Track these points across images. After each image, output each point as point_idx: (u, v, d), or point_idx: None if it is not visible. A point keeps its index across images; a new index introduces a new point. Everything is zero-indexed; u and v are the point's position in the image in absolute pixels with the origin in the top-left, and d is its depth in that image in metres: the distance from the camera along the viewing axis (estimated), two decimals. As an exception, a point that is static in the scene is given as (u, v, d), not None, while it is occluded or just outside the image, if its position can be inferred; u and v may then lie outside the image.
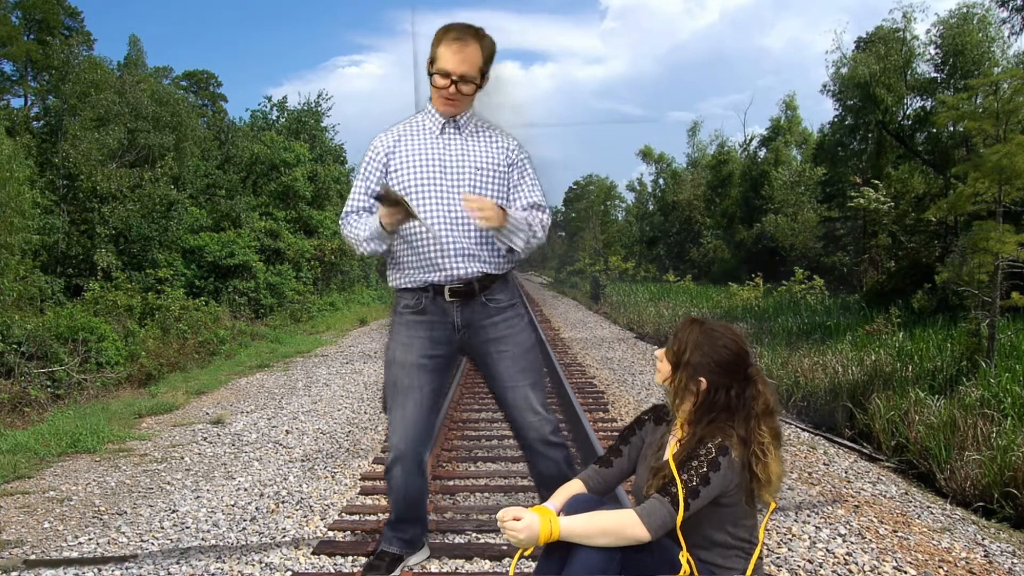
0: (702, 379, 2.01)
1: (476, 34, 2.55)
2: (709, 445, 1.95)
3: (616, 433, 5.17)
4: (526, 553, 2.04)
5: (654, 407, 2.29)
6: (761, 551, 2.08)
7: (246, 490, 4.48)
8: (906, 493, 4.64)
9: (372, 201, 2.65)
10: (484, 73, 2.61)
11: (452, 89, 2.56)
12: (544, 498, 2.63)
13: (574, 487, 2.21)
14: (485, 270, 2.65)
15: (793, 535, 3.62)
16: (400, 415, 2.70)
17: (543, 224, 2.69)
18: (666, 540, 1.96)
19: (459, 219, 2.58)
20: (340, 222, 2.76)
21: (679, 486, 1.92)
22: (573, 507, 2.09)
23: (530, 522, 1.92)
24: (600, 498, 2.21)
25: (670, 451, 2.08)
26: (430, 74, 2.60)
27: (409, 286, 2.68)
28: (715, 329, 2.05)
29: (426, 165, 2.64)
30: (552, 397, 6.70)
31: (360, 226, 2.65)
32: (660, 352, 2.13)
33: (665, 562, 1.95)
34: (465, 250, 2.62)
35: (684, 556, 1.96)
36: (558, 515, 2.01)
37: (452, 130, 2.68)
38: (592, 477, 2.23)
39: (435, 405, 2.80)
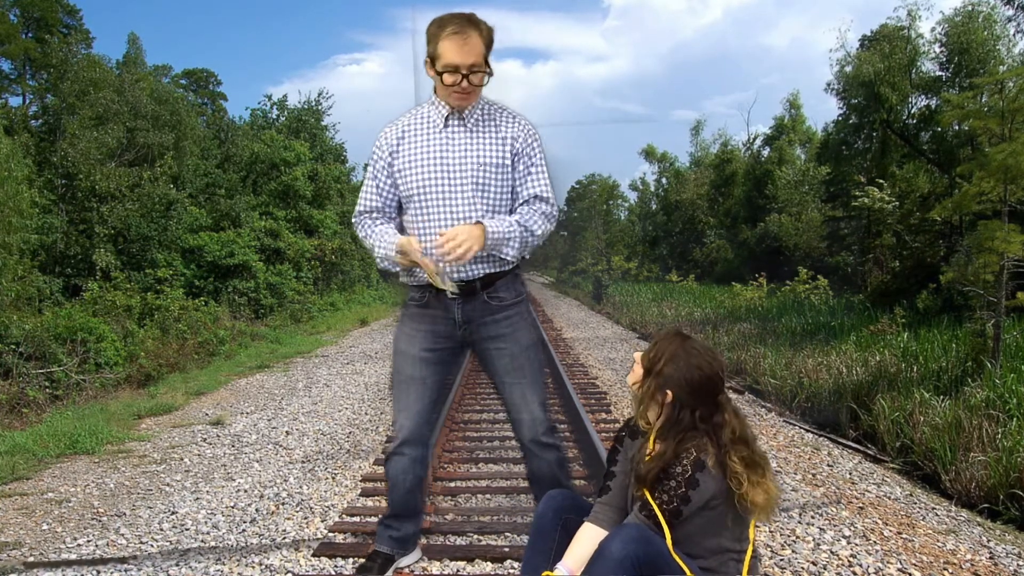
0: (669, 392, 2.00)
1: (472, 22, 2.46)
2: (684, 463, 1.94)
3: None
4: None
5: (626, 422, 2.28)
6: (753, 552, 2.05)
7: (246, 491, 4.45)
8: (911, 495, 4.59)
9: (383, 201, 2.68)
10: (487, 60, 2.52)
11: (464, 83, 2.47)
12: (538, 496, 2.61)
13: (592, 536, 2.07)
14: (487, 271, 2.63)
15: (797, 537, 3.58)
16: (405, 402, 2.75)
17: (546, 216, 2.60)
18: (675, 564, 1.94)
19: (462, 222, 2.54)
20: (353, 220, 2.75)
21: (657, 510, 1.94)
22: None
23: None
24: None
25: (643, 467, 2.05)
26: (439, 73, 2.49)
27: (416, 283, 2.69)
28: (695, 348, 2.04)
29: (429, 166, 2.58)
30: (554, 398, 6.66)
31: (375, 239, 2.64)
32: (638, 355, 2.12)
33: None
34: None
35: None
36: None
37: (456, 122, 2.59)
38: (604, 513, 2.15)
39: (438, 397, 2.80)
